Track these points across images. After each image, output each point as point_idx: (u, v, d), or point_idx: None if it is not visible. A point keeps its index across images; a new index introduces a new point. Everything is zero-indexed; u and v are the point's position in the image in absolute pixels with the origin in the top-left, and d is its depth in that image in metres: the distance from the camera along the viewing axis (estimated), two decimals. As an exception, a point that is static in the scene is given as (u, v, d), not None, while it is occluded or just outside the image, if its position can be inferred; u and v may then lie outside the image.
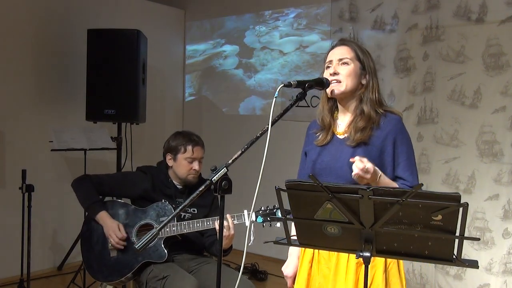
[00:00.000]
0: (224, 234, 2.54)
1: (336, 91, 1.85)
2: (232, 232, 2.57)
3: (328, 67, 1.89)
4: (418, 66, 3.79)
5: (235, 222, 2.58)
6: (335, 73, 1.85)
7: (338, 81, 1.85)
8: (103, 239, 2.72)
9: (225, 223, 2.54)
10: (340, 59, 1.87)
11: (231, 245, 2.68)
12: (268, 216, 2.53)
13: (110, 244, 2.70)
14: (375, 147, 1.83)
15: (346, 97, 1.89)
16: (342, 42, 1.95)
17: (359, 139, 1.82)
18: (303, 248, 1.95)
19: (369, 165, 1.65)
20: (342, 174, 1.81)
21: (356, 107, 1.89)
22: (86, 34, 4.06)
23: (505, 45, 3.38)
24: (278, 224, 2.47)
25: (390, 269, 1.82)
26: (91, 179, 2.81)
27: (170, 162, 2.84)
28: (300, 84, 1.75)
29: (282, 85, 1.70)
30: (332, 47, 1.96)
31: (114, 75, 3.97)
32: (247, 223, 2.55)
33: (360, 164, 1.63)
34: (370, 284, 1.77)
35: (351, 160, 1.67)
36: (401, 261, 1.86)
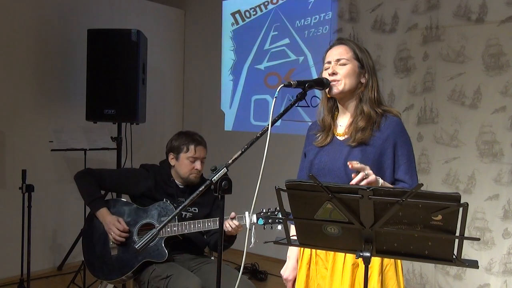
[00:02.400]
0: (232, 233, 2.55)
1: (335, 90, 1.85)
2: (240, 229, 2.58)
3: (326, 67, 1.89)
4: (418, 66, 3.79)
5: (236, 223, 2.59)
6: (333, 73, 1.85)
7: (337, 81, 1.85)
8: (105, 237, 2.72)
9: (231, 224, 2.54)
10: (338, 59, 1.86)
11: (235, 235, 2.68)
12: (270, 218, 2.54)
13: (111, 242, 2.71)
14: (374, 148, 1.82)
15: (345, 96, 1.89)
16: (340, 41, 1.94)
17: (360, 139, 1.82)
18: (302, 250, 1.95)
19: (369, 173, 1.65)
20: (340, 175, 1.81)
21: (355, 106, 1.89)
22: (86, 34, 4.06)
23: (505, 45, 3.38)
24: (279, 227, 2.47)
25: (387, 271, 1.81)
26: (93, 174, 2.81)
27: (172, 162, 2.85)
28: (300, 84, 1.75)
29: (282, 85, 1.70)
30: (330, 47, 1.95)
31: (114, 75, 3.98)
32: (248, 225, 2.55)
33: (357, 167, 1.63)
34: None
35: (348, 163, 1.65)
36: (399, 264, 1.85)
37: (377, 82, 1.91)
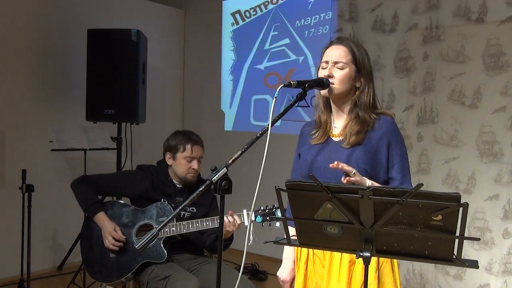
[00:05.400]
0: (229, 229, 2.55)
1: (329, 92, 1.86)
2: (237, 227, 2.58)
3: (324, 67, 1.88)
4: (418, 66, 3.79)
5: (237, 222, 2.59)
6: (329, 76, 1.84)
7: (331, 84, 1.84)
8: (103, 239, 2.72)
9: (230, 219, 2.54)
10: (336, 62, 1.85)
11: (232, 235, 2.69)
12: (268, 215, 2.53)
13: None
14: (368, 148, 1.83)
15: (339, 99, 1.90)
16: (340, 41, 1.91)
17: (354, 142, 1.83)
18: (299, 250, 1.95)
19: (355, 176, 1.69)
20: (335, 175, 1.81)
21: (350, 110, 1.89)
22: (86, 34, 4.06)
23: (505, 45, 3.38)
24: (278, 224, 2.47)
25: (383, 268, 1.82)
26: (89, 180, 2.81)
27: (169, 161, 2.84)
28: (300, 84, 1.75)
29: (282, 85, 1.70)
30: (331, 43, 1.93)
31: (114, 75, 3.98)
32: (246, 223, 2.55)
33: (346, 169, 1.67)
34: (362, 283, 1.77)
35: (331, 166, 1.67)
36: (395, 260, 1.85)
37: (373, 87, 1.91)
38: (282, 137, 3.96)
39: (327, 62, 1.87)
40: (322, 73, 1.87)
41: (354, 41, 1.96)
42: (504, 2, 3.38)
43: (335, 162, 1.67)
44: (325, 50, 1.92)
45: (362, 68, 1.88)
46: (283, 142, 3.93)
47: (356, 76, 1.87)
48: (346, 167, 1.67)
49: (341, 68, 1.85)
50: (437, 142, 3.69)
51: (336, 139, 1.90)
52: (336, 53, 1.87)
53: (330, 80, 1.84)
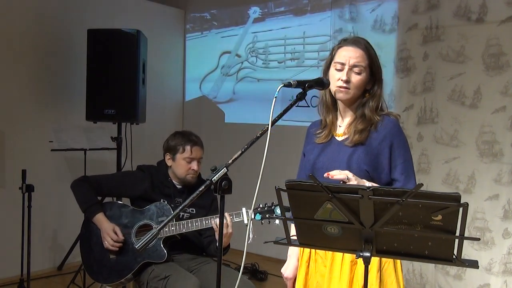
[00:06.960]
0: (224, 232, 2.54)
1: (341, 96, 1.85)
2: (230, 230, 2.57)
3: (339, 69, 1.84)
4: (418, 66, 3.79)
5: (234, 220, 2.58)
6: (347, 81, 1.82)
7: (347, 89, 1.82)
8: (102, 240, 2.71)
9: (227, 219, 2.54)
10: (354, 66, 1.82)
11: (229, 244, 2.68)
12: (267, 213, 2.53)
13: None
14: (371, 149, 1.83)
15: (349, 104, 1.89)
16: (357, 43, 1.86)
17: (357, 140, 1.83)
18: (302, 249, 1.95)
19: (350, 178, 1.69)
20: None
21: (356, 109, 1.89)
22: (86, 34, 4.06)
23: (505, 45, 3.38)
24: (277, 221, 2.47)
25: (386, 269, 1.81)
26: (89, 181, 2.80)
27: (169, 162, 2.84)
28: (300, 84, 1.74)
29: (282, 85, 1.69)
30: (345, 42, 1.88)
31: (114, 75, 3.98)
32: (246, 221, 2.54)
33: (339, 178, 1.68)
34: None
35: (325, 175, 1.69)
36: (398, 261, 1.85)
37: (382, 91, 1.90)
38: (282, 136, 3.97)
39: (343, 64, 1.83)
40: (337, 75, 1.83)
41: (368, 43, 1.91)
42: (504, 2, 3.38)
43: (326, 174, 1.69)
44: (338, 49, 1.88)
45: (375, 73, 1.87)
46: (283, 142, 3.93)
47: (369, 79, 1.87)
48: (339, 176, 1.68)
49: (359, 73, 1.83)
50: (437, 142, 3.69)
51: (339, 138, 1.90)
52: (354, 55, 1.83)
53: (346, 85, 1.82)
